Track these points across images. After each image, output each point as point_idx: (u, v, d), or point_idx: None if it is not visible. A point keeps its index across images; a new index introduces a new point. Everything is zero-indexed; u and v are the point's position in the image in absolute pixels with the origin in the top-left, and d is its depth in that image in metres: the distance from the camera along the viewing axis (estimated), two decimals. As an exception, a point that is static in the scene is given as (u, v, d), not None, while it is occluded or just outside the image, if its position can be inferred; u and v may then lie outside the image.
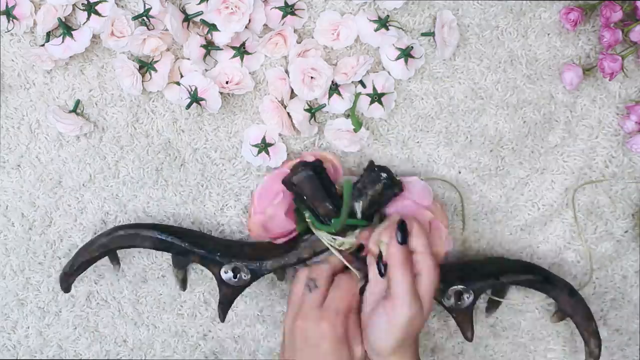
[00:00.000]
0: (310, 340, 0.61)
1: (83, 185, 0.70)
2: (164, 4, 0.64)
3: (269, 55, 0.67)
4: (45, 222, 0.71)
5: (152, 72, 0.66)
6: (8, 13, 0.64)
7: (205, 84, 0.65)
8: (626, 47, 0.66)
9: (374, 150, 0.69)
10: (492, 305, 0.72)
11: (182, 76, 0.66)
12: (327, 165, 0.66)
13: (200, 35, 0.65)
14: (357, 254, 0.64)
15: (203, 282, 0.72)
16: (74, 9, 0.66)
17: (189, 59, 0.66)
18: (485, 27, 0.68)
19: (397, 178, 0.65)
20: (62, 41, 0.65)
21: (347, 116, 0.67)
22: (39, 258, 0.71)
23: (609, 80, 0.67)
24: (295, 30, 0.66)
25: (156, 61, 0.66)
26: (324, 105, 0.67)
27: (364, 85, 0.67)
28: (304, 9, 0.66)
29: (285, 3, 0.65)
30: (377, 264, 0.61)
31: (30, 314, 0.73)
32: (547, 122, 0.70)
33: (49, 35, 0.66)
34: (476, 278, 0.67)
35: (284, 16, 0.65)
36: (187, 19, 0.65)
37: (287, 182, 0.64)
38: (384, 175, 0.63)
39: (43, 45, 0.66)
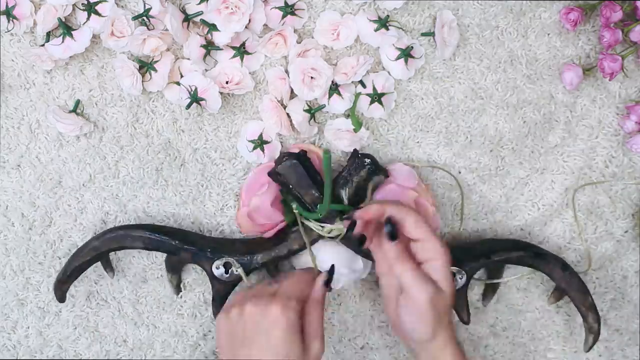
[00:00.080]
0: (261, 326, 0.58)
1: (83, 185, 0.70)
2: (164, 4, 0.64)
3: (269, 55, 0.67)
4: (45, 222, 0.71)
5: (152, 72, 0.66)
6: (8, 13, 0.64)
7: (205, 84, 0.65)
8: (626, 47, 0.66)
9: (374, 150, 0.69)
10: (489, 291, 0.72)
11: (182, 76, 0.66)
12: (311, 156, 0.66)
13: (200, 35, 0.65)
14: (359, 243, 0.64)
15: (203, 282, 0.72)
16: (74, 9, 0.66)
17: (189, 59, 0.66)
18: (485, 27, 0.68)
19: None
20: (62, 41, 0.65)
21: (347, 116, 0.67)
22: (39, 258, 0.71)
23: (609, 80, 0.67)
24: (295, 30, 0.66)
25: (156, 61, 0.66)
26: (323, 106, 0.67)
27: (364, 85, 0.67)
28: (304, 9, 0.66)
29: (285, 3, 0.65)
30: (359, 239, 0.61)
31: (30, 314, 0.73)
32: (547, 122, 0.70)
33: (49, 35, 0.66)
34: (468, 259, 0.67)
35: (284, 16, 0.65)
36: (187, 19, 0.65)
37: (272, 173, 0.65)
38: (367, 161, 0.64)
39: (43, 45, 0.66)
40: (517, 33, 0.68)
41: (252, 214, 0.66)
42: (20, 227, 0.71)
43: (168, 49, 0.66)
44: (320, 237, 0.65)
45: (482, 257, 0.67)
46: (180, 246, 0.66)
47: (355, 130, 0.66)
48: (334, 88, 0.66)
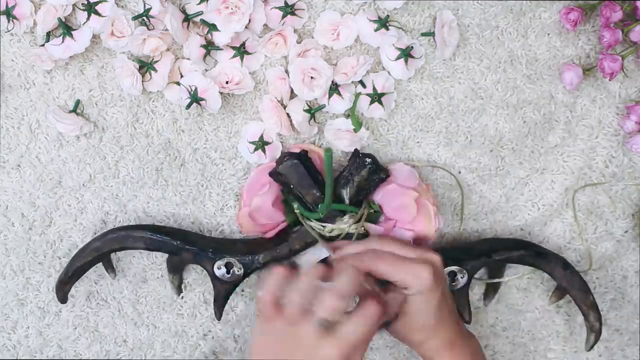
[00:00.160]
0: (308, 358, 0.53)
1: (83, 185, 0.70)
2: (164, 4, 0.64)
3: (269, 55, 0.67)
4: (45, 222, 0.71)
5: (152, 72, 0.66)
6: (8, 13, 0.64)
7: (205, 84, 0.65)
8: (626, 47, 0.66)
9: (374, 150, 0.69)
10: (490, 291, 0.72)
11: (182, 76, 0.66)
12: (312, 156, 0.66)
13: (200, 35, 0.65)
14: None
15: (203, 282, 0.72)
16: (74, 9, 0.66)
17: (189, 59, 0.66)
18: (485, 27, 0.68)
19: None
20: (62, 41, 0.65)
21: (347, 116, 0.67)
22: (39, 258, 0.71)
23: (609, 80, 0.67)
24: (295, 30, 0.66)
25: (156, 61, 0.66)
26: (323, 106, 0.67)
27: (364, 85, 0.67)
28: (304, 9, 0.66)
29: (285, 3, 0.65)
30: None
31: (30, 314, 0.73)
32: (547, 122, 0.70)
33: (49, 35, 0.66)
34: (469, 258, 0.67)
35: (284, 16, 0.65)
36: (187, 19, 0.65)
37: (273, 173, 0.65)
38: (368, 160, 0.64)
39: (43, 45, 0.66)
40: (517, 33, 0.68)
41: (254, 214, 0.66)
42: (20, 227, 0.71)
43: (168, 49, 0.66)
44: (322, 236, 0.65)
45: (483, 256, 0.67)
46: (182, 246, 0.66)
47: (355, 130, 0.66)
48: (334, 88, 0.66)
